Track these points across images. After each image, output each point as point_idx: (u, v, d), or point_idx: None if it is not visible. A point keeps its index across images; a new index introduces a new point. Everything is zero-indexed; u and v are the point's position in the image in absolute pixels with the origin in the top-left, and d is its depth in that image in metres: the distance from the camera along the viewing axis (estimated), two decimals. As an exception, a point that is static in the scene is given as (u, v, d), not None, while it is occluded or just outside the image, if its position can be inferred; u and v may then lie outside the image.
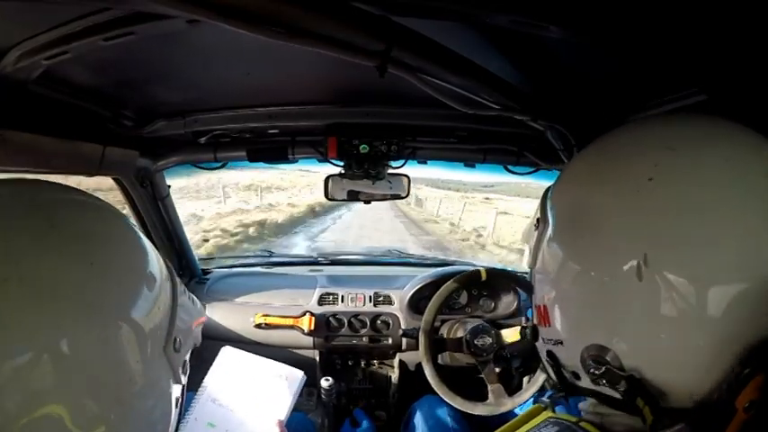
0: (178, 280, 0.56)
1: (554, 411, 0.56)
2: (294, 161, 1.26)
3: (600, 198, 0.47)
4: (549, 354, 0.54)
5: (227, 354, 0.98)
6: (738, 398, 0.39)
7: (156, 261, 0.51)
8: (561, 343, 0.51)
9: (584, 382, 0.49)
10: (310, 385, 1.61)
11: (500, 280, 1.42)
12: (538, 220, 0.56)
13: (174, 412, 0.54)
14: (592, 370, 0.46)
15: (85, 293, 0.41)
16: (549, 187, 0.56)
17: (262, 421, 0.89)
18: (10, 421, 0.37)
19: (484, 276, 1.30)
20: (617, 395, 0.45)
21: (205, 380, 0.93)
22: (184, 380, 0.56)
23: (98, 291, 0.43)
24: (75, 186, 0.51)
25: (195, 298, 0.63)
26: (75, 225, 0.45)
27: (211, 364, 0.95)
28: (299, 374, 0.96)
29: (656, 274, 0.41)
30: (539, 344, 0.57)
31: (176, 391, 0.53)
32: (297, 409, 1.41)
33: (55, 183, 0.51)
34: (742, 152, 0.43)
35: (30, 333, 0.38)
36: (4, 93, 0.67)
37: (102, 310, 0.42)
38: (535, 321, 0.57)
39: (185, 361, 0.56)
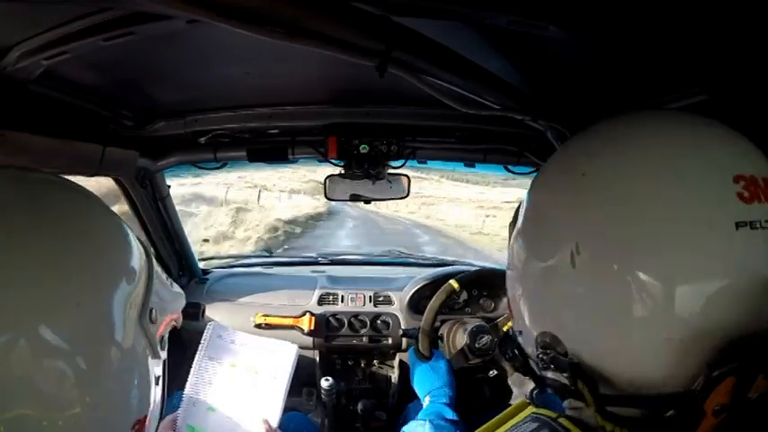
0: (153, 259, 0.57)
1: (537, 407, 0.57)
2: (294, 161, 1.26)
3: (545, 195, 0.51)
4: (517, 345, 0.56)
5: (215, 330, 0.93)
6: (707, 401, 0.38)
7: (131, 237, 0.54)
8: (521, 333, 0.54)
9: (548, 372, 0.50)
10: (310, 385, 1.62)
11: (473, 284, 1.43)
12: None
13: (155, 389, 0.54)
14: (541, 356, 0.48)
15: (62, 265, 0.44)
16: None
17: (262, 402, 0.86)
18: None
19: (456, 287, 1.23)
20: (566, 381, 0.46)
21: (196, 360, 0.90)
22: (163, 355, 0.57)
23: (76, 263, 0.45)
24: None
25: (176, 285, 0.65)
26: (55, 206, 0.48)
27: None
28: (293, 348, 0.92)
29: (587, 262, 0.43)
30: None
31: (155, 366, 0.54)
32: (297, 409, 1.42)
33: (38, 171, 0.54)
34: (674, 147, 0.44)
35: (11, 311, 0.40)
36: (5, 93, 0.66)
37: (78, 280, 0.45)
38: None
39: (164, 337, 0.58)
